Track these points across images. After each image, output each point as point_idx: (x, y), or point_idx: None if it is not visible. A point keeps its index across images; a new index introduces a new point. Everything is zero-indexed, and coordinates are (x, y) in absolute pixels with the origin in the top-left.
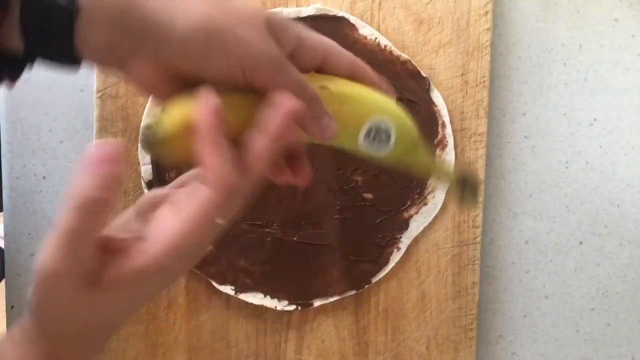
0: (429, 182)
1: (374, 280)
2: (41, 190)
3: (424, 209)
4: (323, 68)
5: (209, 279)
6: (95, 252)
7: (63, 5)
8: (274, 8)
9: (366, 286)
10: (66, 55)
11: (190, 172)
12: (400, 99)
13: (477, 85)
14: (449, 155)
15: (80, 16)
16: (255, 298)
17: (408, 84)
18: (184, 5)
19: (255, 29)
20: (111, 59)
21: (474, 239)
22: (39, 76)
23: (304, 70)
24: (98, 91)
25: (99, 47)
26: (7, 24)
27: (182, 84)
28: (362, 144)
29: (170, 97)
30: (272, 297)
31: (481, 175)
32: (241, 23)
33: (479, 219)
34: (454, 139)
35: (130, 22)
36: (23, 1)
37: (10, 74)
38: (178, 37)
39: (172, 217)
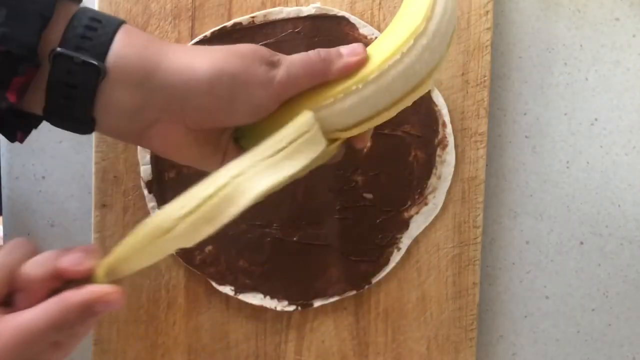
0: (429, 182)
1: (374, 280)
2: (40, 190)
3: (424, 209)
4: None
5: (208, 280)
6: None
7: (93, 64)
8: (273, 7)
9: (366, 286)
10: (85, 117)
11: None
12: None
13: (477, 85)
14: (449, 155)
15: (107, 78)
16: (255, 298)
17: None
18: (201, 56)
19: (260, 65)
20: (134, 125)
21: (475, 239)
22: None
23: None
24: None
25: (124, 111)
26: (34, 83)
27: (204, 142)
28: None
29: (198, 156)
30: (272, 298)
31: (482, 175)
32: (251, 63)
33: (480, 219)
34: (455, 138)
35: (155, 84)
36: (54, 59)
37: (25, 130)
38: (204, 85)
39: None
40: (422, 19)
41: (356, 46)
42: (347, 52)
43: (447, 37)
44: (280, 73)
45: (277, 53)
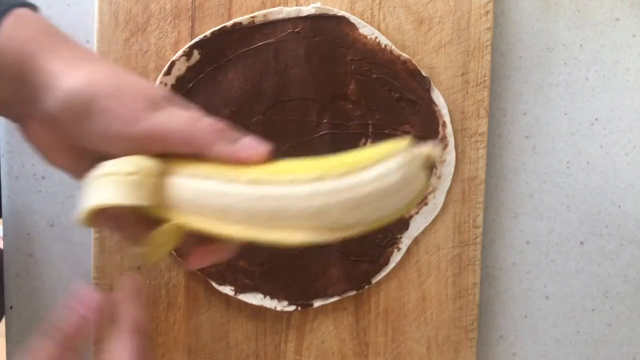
0: (429, 183)
1: (374, 280)
2: (40, 191)
3: (424, 209)
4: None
5: (208, 280)
6: None
7: None
8: (273, 7)
9: (366, 286)
10: None
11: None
12: (400, 99)
13: (477, 85)
14: (449, 155)
15: None
16: (255, 298)
17: (408, 84)
18: (81, 66)
19: (138, 101)
20: (9, 116)
21: (475, 239)
22: None
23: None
24: None
25: None
26: None
27: (77, 154)
28: None
29: (65, 164)
30: (271, 298)
31: (482, 175)
32: (128, 95)
33: (480, 219)
34: (455, 138)
35: (25, 83)
36: None
37: None
38: (60, 95)
39: None
40: (357, 164)
41: (260, 145)
42: (245, 143)
43: (387, 204)
44: (154, 119)
45: (175, 102)
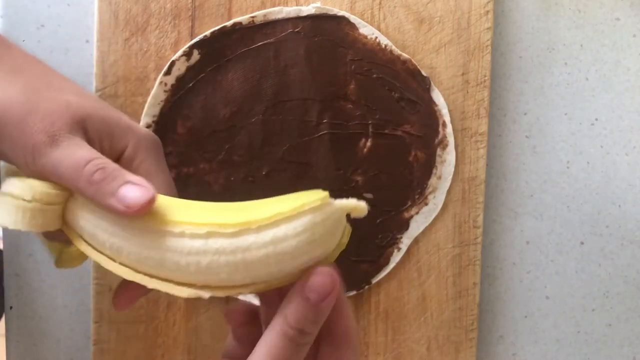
0: (429, 182)
1: (374, 280)
2: None
3: (424, 209)
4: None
5: None
6: None
7: None
8: (273, 7)
9: (366, 287)
10: None
11: None
12: (400, 99)
13: (477, 85)
14: (449, 155)
15: None
16: (255, 298)
17: (408, 84)
18: (5, 82)
19: (41, 132)
20: None
21: (475, 239)
22: None
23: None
24: (97, 90)
25: None
26: None
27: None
28: None
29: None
30: None
31: (482, 175)
32: (30, 123)
33: (480, 220)
34: (455, 138)
35: None
36: None
37: None
38: None
39: None
40: (255, 222)
41: (142, 194)
42: (123, 193)
43: (285, 266)
44: (49, 158)
45: (78, 131)
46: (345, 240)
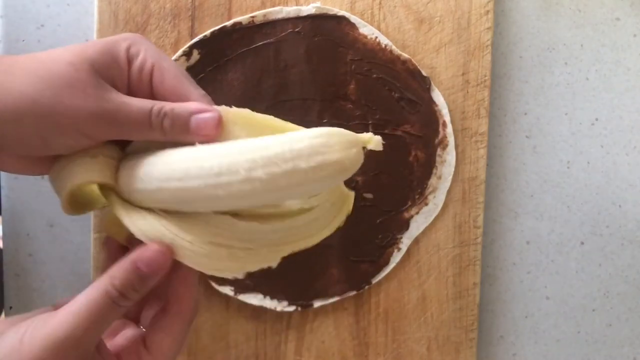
0: (429, 182)
1: (374, 280)
2: (40, 191)
3: (424, 209)
4: (153, 78)
5: (208, 280)
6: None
7: None
8: (273, 7)
9: (366, 287)
10: None
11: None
12: (401, 99)
13: (478, 85)
14: (449, 155)
15: None
16: (255, 299)
17: (408, 84)
18: (6, 87)
19: (79, 90)
20: None
21: (475, 239)
22: None
23: (145, 85)
24: None
25: None
26: None
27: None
28: None
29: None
30: (272, 298)
31: (482, 175)
32: (64, 90)
33: (480, 220)
34: (455, 138)
35: None
36: None
37: None
38: (9, 127)
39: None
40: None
41: (209, 111)
42: (198, 118)
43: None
44: (109, 104)
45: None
46: (355, 166)
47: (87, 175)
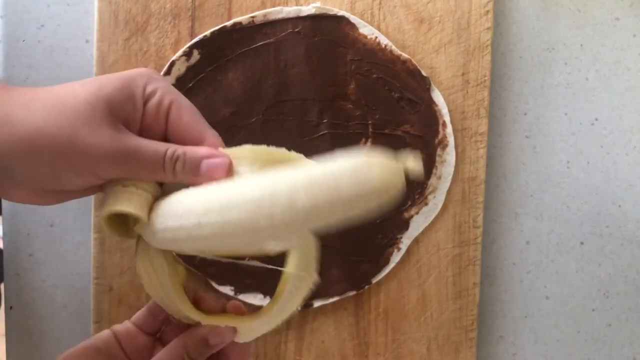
0: (429, 182)
1: (374, 280)
2: None
3: (424, 209)
4: (169, 116)
5: (208, 280)
6: None
7: None
8: (273, 7)
9: (366, 287)
10: None
11: None
12: (400, 99)
13: (477, 85)
14: (449, 155)
15: None
16: (255, 298)
17: (408, 84)
18: (15, 119)
19: (95, 131)
20: None
21: (475, 239)
22: (39, 76)
23: (160, 123)
24: None
25: None
26: None
27: (61, 195)
28: None
29: (54, 202)
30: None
31: (482, 175)
32: (81, 129)
33: (480, 219)
34: (455, 138)
35: None
36: None
37: None
38: (24, 160)
39: None
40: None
41: (219, 156)
42: (209, 163)
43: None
44: (124, 145)
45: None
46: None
47: (123, 205)
